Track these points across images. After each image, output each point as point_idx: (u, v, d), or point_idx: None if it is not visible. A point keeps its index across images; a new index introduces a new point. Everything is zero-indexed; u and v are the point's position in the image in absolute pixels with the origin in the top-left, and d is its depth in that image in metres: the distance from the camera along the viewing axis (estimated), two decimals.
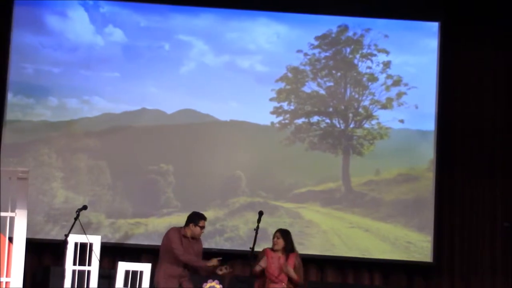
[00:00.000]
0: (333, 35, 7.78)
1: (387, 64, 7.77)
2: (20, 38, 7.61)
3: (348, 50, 7.80)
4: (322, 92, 7.77)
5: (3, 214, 5.33)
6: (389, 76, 7.76)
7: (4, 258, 5.33)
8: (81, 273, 6.20)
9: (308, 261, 7.26)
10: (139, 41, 7.70)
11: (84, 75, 7.65)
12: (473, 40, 7.66)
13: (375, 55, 7.77)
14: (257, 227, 6.04)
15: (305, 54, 7.75)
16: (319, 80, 7.77)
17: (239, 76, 7.71)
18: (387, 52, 7.77)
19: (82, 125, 7.61)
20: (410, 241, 7.50)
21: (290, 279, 6.06)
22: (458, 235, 7.54)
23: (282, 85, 7.73)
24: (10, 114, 7.56)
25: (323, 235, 7.53)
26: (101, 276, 6.34)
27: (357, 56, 7.78)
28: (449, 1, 7.68)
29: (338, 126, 7.73)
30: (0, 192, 5.42)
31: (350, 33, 7.79)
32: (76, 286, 6.17)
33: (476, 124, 7.63)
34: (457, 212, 7.57)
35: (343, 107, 7.75)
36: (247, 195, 7.59)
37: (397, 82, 7.75)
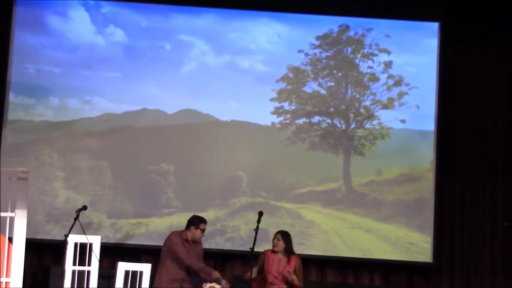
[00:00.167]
0: (334, 35, 7.77)
1: (388, 64, 7.75)
2: (22, 38, 7.63)
3: (349, 50, 7.79)
4: (323, 92, 7.76)
5: (3, 214, 5.34)
6: (390, 76, 7.74)
7: (4, 258, 5.33)
8: (81, 273, 6.19)
9: (308, 261, 7.25)
10: (140, 41, 7.71)
11: (85, 75, 7.65)
12: (475, 40, 7.64)
13: (376, 55, 7.76)
14: (257, 227, 6.02)
15: (306, 54, 7.73)
16: (320, 80, 7.76)
17: (240, 76, 7.70)
18: (388, 52, 7.75)
19: (83, 125, 7.62)
20: (411, 241, 7.48)
21: (289, 283, 6.03)
22: (458, 235, 7.53)
23: (283, 85, 7.72)
24: (11, 114, 7.57)
25: (324, 236, 7.51)
26: (101, 276, 6.32)
27: (358, 56, 7.77)
28: (451, 1, 7.66)
29: (339, 126, 7.72)
30: (0, 192, 5.45)
31: (351, 33, 7.77)
32: (76, 286, 6.17)
33: (478, 124, 7.62)
34: (457, 212, 7.56)
35: (344, 107, 7.74)
36: (247, 195, 7.58)
37: (398, 82, 7.73)
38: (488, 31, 7.64)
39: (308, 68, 7.73)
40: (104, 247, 6.68)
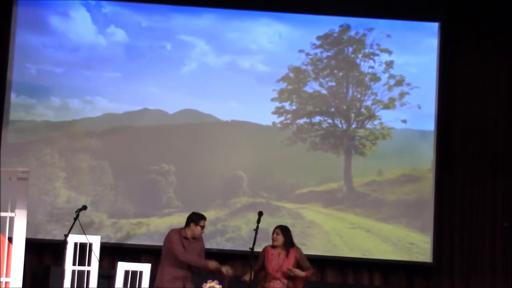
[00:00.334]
0: (335, 35, 7.76)
1: (389, 64, 7.73)
2: (23, 38, 7.64)
3: (350, 49, 7.77)
4: (324, 92, 7.75)
5: (3, 214, 5.35)
6: (391, 76, 7.73)
7: (4, 258, 5.35)
8: (81, 273, 6.21)
9: (308, 261, 7.23)
10: (141, 41, 7.71)
11: (86, 75, 7.66)
12: (474, 40, 7.63)
13: (377, 54, 7.74)
14: (257, 227, 6.01)
15: (307, 54, 7.72)
16: (321, 80, 7.75)
17: (241, 76, 7.70)
18: (389, 52, 7.73)
19: (84, 125, 7.63)
20: (412, 241, 7.47)
21: (291, 277, 6.02)
22: (458, 235, 7.52)
23: (283, 85, 7.72)
24: (13, 114, 7.59)
25: (325, 236, 7.50)
26: (100, 276, 6.35)
27: (359, 55, 7.75)
28: (451, 1, 7.64)
29: (340, 126, 7.71)
30: (0, 192, 5.46)
31: (352, 33, 7.76)
32: (76, 286, 6.18)
33: (477, 124, 7.61)
34: (457, 212, 7.55)
35: (345, 107, 7.73)
36: (248, 195, 7.58)
37: (399, 82, 7.72)
38: (487, 31, 7.63)
39: (309, 68, 7.72)
40: (104, 247, 6.70)
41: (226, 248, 7.42)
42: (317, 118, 7.71)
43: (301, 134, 7.67)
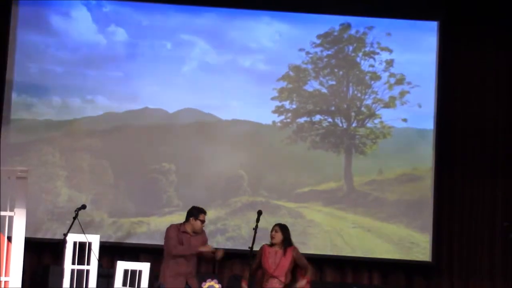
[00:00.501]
0: (336, 33, 7.74)
1: (390, 63, 7.72)
2: (24, 37, 7.66)
3: (351, 48, 7.76)
4: (324, 90, 7.74)
5: (2, 213, 5.37)
6: (392, 75, 7.71)
7: (3, 257, 5.36)
8: (80, 272, 6.21)
9: (307, 260, 7.22)
10: (142, 40, 7.72)
11: (87, 74, 7.68)
12: (474, 40, 7.62)
13: (378, 53, 7.73)
14: (256, 226, 6.02)
15: (307, 53, 7.71)
16: (321, 78, 7.74)
17: (241, 75, 7.70)
18: (390, 51, 7.72)
19: (85, 124, 7.65)
20: (412, 241, 7.46)
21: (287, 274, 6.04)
22: (458, 235, 7.51)
23: (284, 84, 7.71)
24: (14, 113, 7.61)
25: (325, 235, 7.50)
26: (100, 276, 6.34)
27: (360, 54, 7.74)
28: (450, 1, 7.62)
29: (340, 125, 7.69)
30: (0, 191, 5.48)
31: (353, 31, 7.75)
32: (75, 286, 6.19)
33: (477, 124, 7.59)
34: (457, 211, 7.54)
35: (345, 106, 7.71)
36: (248, 194, 7.58)
37: (400, 81, 7.70)
38: (487, 31, 7.61)
39: (309, 66, 7.71)
40: (103, 246, 6.69)
41: (226, 247, 7.39)
42: (317, 117, 7.70)
43: (302, 133, 7.66)
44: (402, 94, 7.68)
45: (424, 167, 7.57)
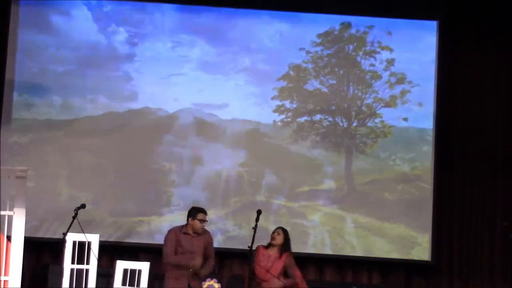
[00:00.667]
0: (336, 32, 7.73)
1: (390, 62, 7.70)
2: (25, 37, 7.67)
3: (351, 47, 7.74)
4: (324, 90, 7.73)
5: (2, 212, 5.39)
6: (392, 74, 7.69)
7: (2, 257, 5.39)
8: (80, 271, 6.23)
9: (307, 260, 7.24)
10: (142, 39, 7.72)
11: (88, 74, 7.68)
12: (474, 40, 7.60)
13: (378, 52, 7.71)
14: (256, 225, 5.99)
15: (308, 52, 7.70)
16: (321, 78, 7.73)
17: (242, 74, 7.68)
18: (390, 50, 7.70)
19: (86, 123, 7.64)
20: (413, 241, 7.45)
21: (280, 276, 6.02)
22: (458, 234, 7.49)
23: (284, 83, 7.70)
24: (15, 113, 7.62)
25: (325, 235, 7.48)
26: (99, 275, 6.37)
27: (360, 53, 7.72)
28: (450, 0, 7.60)
29: (341, 124, 7.68)
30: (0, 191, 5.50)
31: (353, 30, 7.73)
32: (74, 285, 6.21)
33: (477, 124, 7.57)
34: (456, 211, 7.52)
35: (346, 105, 7.70)
36: (249, 193, 7.57)
37: (401, 80, 7.68)
38: (487, 31, 7.58)
39: (310, 66, 7.70)
40: (103, 246, 6.71)
41: (226, 246, 7.41)
42: (317, 117, 7.68)
43: (302, 133, 7.65)
44: (403, 93, 7.66)
45: (424, 167, 7.55)
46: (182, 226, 6.21)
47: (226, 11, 7.70)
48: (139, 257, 7.28)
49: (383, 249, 7.44)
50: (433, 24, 7.67)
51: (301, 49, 7.70)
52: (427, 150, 7.57)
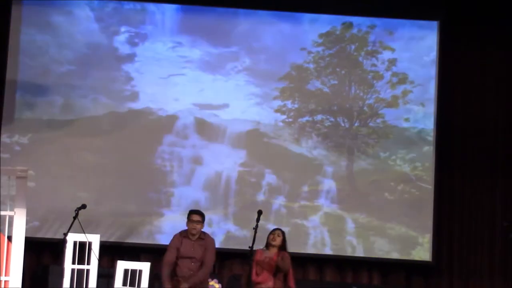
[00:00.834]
0: (338, 32, 7.72)
1: (392, 62, 7.68)
2: (28, 37, 7.68)
3: (353, 47, 7.73)
4: (326, 90, 7.72)
5: (2, 213, 5.40)
6: (394, 74, 7.68)
7: (3, 257, 5.40)
8: (80, 272, 6.25)
9: (307, 260, 7.24)
10: (143, 39, 7.72)
11: (90, 74, 7.68)
12: (474, 40, 7.58)
13: (380, 52, 7.69)
14: (256, 226, 6.01)
15: (309, 52, 7.69)
16: (323, 78, 7.72)
17: (243, 74, 7.68)
18: (392, 50, 7.68)
19: (86, 123, 7.65)
20: (413, 241, 7.44)
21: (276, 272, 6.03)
22: (458, 234, 7.48)
23: (285, 83, 7.69)
24: (17, 113, 7.64)
25: (325, 235, 7.48)
26: (100, 275, 6.38)
27: (362, 53, 7.71)
28: (450, 1, 7.58)
29: (342, 124, 7.67)
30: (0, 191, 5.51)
31: (355, 30, 7.72)
32: (75, 285, 6.22)
33: (477, 124, 7.56)
34: (456, 211, 7.51)
35: (347, 106, 7.69)
36: (249, 194, 7.57)
37: (403, 80, 7.66)
38: (487, 31, 7.56)
39: (311, 66, 7.69)
40: (103, 246, 6.73)
41: (226, 247, 7.41)
42: (319, 117, 7.68)
43: (303, 133, 7.64)
44: (405, 93, 7.65)
45: (425, 167, 7.53)
46: (184, 230, 6.24)
47: (227, 11, 7.69)
48: (140, 258, 7.29)
49: (383, 249, 7.44)
50: (434, 24, 7.65)
51: (302, 49, 7.69)
52: (428, 150, 7.56)
